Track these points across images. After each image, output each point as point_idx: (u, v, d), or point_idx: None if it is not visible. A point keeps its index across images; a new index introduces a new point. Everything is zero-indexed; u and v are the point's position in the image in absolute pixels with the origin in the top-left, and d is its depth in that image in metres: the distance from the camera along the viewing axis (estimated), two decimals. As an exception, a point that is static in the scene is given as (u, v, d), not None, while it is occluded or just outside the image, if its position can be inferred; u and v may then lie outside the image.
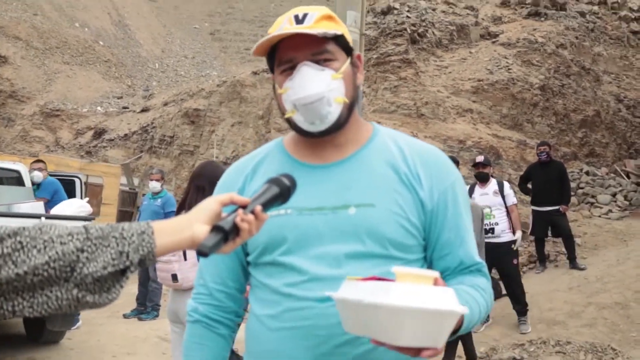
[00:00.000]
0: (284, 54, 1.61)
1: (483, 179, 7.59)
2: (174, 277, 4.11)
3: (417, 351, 1.27)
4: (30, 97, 27.61)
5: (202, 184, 4.36)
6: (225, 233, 1.24)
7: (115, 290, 1.16)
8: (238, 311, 1.78)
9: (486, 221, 7.28)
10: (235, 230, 1.26)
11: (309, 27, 1.57)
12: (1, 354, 6.37)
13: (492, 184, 7.57)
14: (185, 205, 4.44)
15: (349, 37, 1.69)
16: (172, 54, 42.29)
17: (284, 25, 1.61)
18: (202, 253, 1.21)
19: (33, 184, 8.42)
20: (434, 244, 1.65)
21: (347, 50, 1.66)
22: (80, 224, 5.83)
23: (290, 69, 1.61)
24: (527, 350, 6.74)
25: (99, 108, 26.93)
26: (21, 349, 6.58)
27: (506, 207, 7.47)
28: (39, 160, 9.02)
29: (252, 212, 1.29)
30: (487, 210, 7.32)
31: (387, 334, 1.24)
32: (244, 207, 1.30)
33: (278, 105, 1.70)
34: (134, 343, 7.18)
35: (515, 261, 7.59)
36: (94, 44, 35.80)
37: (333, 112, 1.59)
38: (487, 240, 7.25)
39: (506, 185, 7.66)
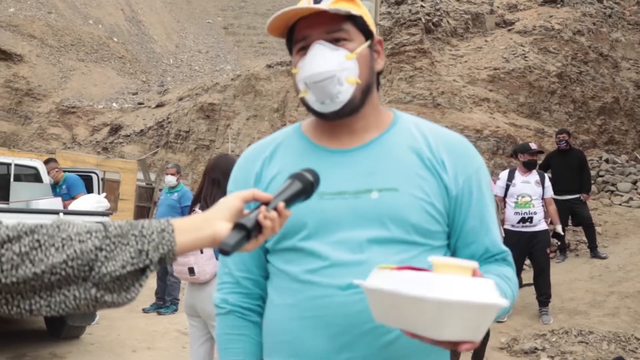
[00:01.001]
0: (299, 33, 1.59)
1: (532, 167, 7.54)
2: (191, 271, 4.07)
3: (454, 345, 1.23)
4: (46, 94, 27.79)
5: (216, 176, 4.35)
6: (247, 231, 1.20)
7: (134, 290, 1.13)
8: (265, 297, 1.73)
9: (525, 210, 7.31)
10: (257, 227, 1.22)
11: (324, 6, 1.54)
12: (23, 349, 6.42)
13: (534, 173, 7.52)
14: (200, 198, 4.42)
15: (370, 21, 1.65)
16: (186, 49, 42.38)
17: (303, 5, 1.58)
18: (224, 252, 1.17)
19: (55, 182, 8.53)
20: (458, 231, 1.62)
21: (367, 33, 1.62)
22: (99, 219, 5.85)
23: (305, 48, 1.58)
24: (549, 340, 6.67)
25: (114, 104, 27.06)
26: (42, 345, 6.62)
27: (543, 199, 7.45)
28: (51, 160, 9.07)
29: (275, 208, 1.24)
30: (527, 199, 7.32)
31: (428, 328, 1.19)
32: (266, 203, 1.26)
33: (294, 88, 1.67)
34: (153, 337, 7.20)
35: (548, 250, 7.59)
36: (108, 41, 35.95)
37: (344, 92, 1.55)
38: (524, 229, 7.29)
39: (547, 177, 7.64)
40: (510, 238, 7.14)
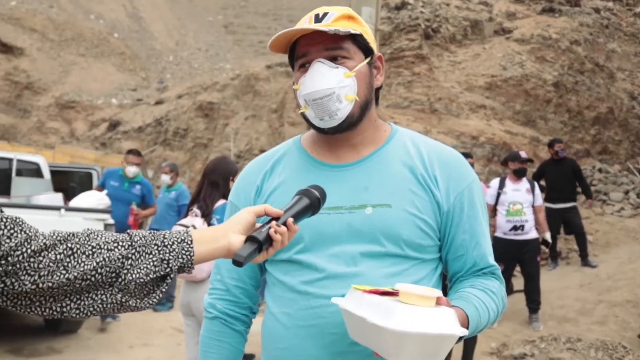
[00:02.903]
0: (300, 50, 1.65)
1: (522, 175, 7.62)
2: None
3: None
4: (46, 88, 27.83)
5: (216, 179, 4.44)
6: (259, 244, 1.30)
7: (155, 295, 1.24)
8: (253, 307, 1.82)
9: (517, 217, 7.37)
10: (268, 240, 1.32)
11: (325, 26, 1.61)
12: (20, 343, 6.49)
13: (524, 181, 7.58)
14: (199, 199, 4.52)
15: (371, 38, 1.71)
16: (186, 47, 42.38)
17: (304, 23, 1.65)
18: (237, 263, 1.26)
19: (129, 177, 7.76)
20: (448, 245, 1.67)
21: (367, 50, 1.68)
22: (99, 215, 5.94)
23: (305, 65, 1.64)
24: (538, 346, 6.79)
25: (113, 100, 27.11)
26: (40, 339, 6.70)
27: (532, 206, 7.54)
28: (134, 152, 8.12)
29: (285, 223, 1.34)
30: (518, 207, 7.39)
31: (388, 352, 1.29)
32: (276, 218, 1.35)
33: (296, 102, 1.74)
34: (149, 334, 7.29)
35: (539, 258, 7.69)
36: (109, 36, 35.96)
37: (343, 109, 1.60)
38: (515, 237, 7.37)
39: (537, 185, 7.74)
40: (502, 245, 7.21)
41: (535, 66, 14.12)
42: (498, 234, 7.42)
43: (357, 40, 1.65)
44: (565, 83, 14.11)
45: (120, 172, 7.84)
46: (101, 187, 7.77)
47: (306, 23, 1.65)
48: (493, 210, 7.49)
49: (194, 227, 4.24)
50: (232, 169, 4.67)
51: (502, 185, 7.50)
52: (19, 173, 8.12)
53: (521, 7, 16.89)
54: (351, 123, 1.64)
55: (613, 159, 14.15)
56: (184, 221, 4.43)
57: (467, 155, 7.79)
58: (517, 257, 7.45)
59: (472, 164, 7.59)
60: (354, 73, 1.62)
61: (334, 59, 1.62)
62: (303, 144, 1.79)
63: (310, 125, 1.69)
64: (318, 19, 1.64)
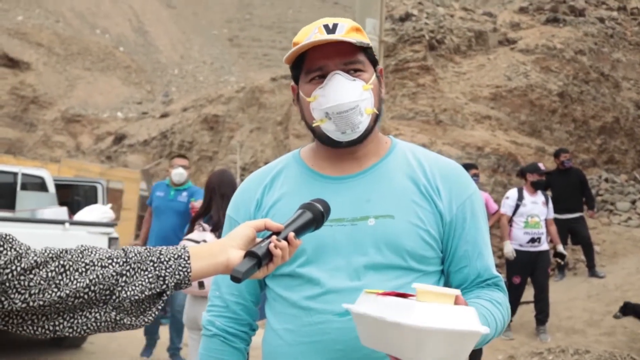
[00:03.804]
0: (314, 63, 1.62)
1: (540, 187, 7.64)
2: (201, 285, 4.04)
3: None
4: (52, 102, 27.99)
5: (226, 191, 4.45)
6: (258, 259, 1.26)
7: (151, 313, 1.21)
8: (252, 324, 1.79)
9: (535, 230, 7.43)
10: (268, 256, 1.28)
11: (340, 37, 1.58)
12: (25, 357, 6.49)
13: (540, 194, 7.60)
14: (206, 213, 4.51)
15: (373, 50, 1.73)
16: (191, 60, 42.58)
17: (313, 34, 1.61)
18: (235, 279, 1.23)
19: (176, 184, 6.87)
20: (451, 256, 1.66)
21: (374, 62, 1.69)
22: (104, 229, 5.92)
23: (320, 77, 1.61)
24: (546, 358, 6.73)
25: (119, 113, 27.22)
26: (45, 353, 6.69)
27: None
28: (180, 156, 7.29)
29: (286, 238, 1.30)
30: (536, 219, 7.43)
31: (408, 353, 1.24)
32: (277, 232, 1.32)
33: (301, 114, 1.71)
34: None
35: (549, 270, 7.72)
36: (115, 50, 36.18)
37: (364, 122, 1.61)
38: (531, 249, 7.41)
39: (549, 197, 7.77)
40: (519, 257, 7.28)
41: (540, 76, 14.10)
42: (514, 246, 7.41)
43: (368, 52, 1.66)
44: (571, 93, 14.08)
45: (167, 182, 7.05)
46: (150, 206, 7.11)
47: (315, 33, 1.61)
48: (508, 221, 7.47)
49: (205, 241, 4.20)
50: (235, 181, 4.69)
51: (520, 197, 7.48)
52: (24, 187, 8.14)
53: (525, 18, 16.89)
54: (366, 135, 1.65)
55: (619, 168, 14.08)
56: (192, 236, 4.39)
57: (472, 166, 7.78)
58: (530, 269, 7.48)
59: (477, 175, 7.58)
60: (371, 86, 1.62)
61: (350, 72, 1.60)
62: (303, 157, 1.78)
63: (322, 138, 1.67)
64: (329, 30, 1.61)
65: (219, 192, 4.51)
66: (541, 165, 7.75)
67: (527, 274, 7.49)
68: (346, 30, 1.61)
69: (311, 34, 1.62)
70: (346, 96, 1.57)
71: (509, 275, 7.51)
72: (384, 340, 1.29)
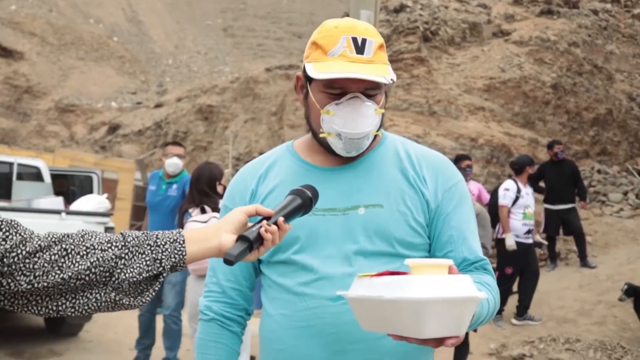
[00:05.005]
0: (337, 82, 1.61)
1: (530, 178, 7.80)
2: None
3: (439, 341, 1.28)
4: (46, 92, 27.90)
5: (202, 188, 4.70)
6: (250, 243, 1.32)
7: (148, 294, 1.27)
8: (248, 309, 1.84)
9: (531, 221, 7.58)
10: (259, 240, 1.34)
11: (369, 62, 1.60)
12: (21, 346, 6.52)
13: (528, 185, 7.72)
14: (190, 206, 4.64)
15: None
16: (186, 50, 42.47)
17: (340, 47, 1.61)
18: (228, 261, 1.29)
19: (170, 175, 6.18)
20: (436, 241, 1.71)
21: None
22: (100, 219, 5.95)
23: (339, 94, 1.62)
24: (537, 347, 6.82)
25: (113, 103, 27.17)
26: (41, 342, 6.73)
27: None
28: (175, 143, 6.64)
29: (275, 223, 1.36)
30: (531, 210, 7.54)
31: (410, 328, 1.24)
32: (267, 217, 1.37)
33: (306, 112, 1.74)
34: (150, 336, 7.31)
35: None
36: (108, 40, 36.04)
37: (368, 143, 1.68)
38: (527, 240, 7.52)
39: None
40: (519, 249, 7.38)
41: (533, 68, 14.16)
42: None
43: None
44: (564, 85, 14.15)
45: (161, 174, 6.30)
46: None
47: (343, 46, 1.61)
48: (508, 212, 7.51)
49: (215, 218, 4.31)
50: (215, 174, 4.75)
51: (518, 188, 7.55)
52: (20, 177, 8.16)
53: (519, 9, 16.92)
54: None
55: (612, 160, 14.19)
56: (201, 217, 4.48)
57: (465, 157, 7.83)
58: (524, 260, 7.59)
59: (470, 166, 7.63)
60: (382, 111, 1.66)
61: (367, 94, 1.63)
62: (296, 148, 1.83)
63: (324, 144, 1.71)
64: (358, 47, 1.61)
65: (195, 187, 4.63)
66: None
67: (520, 264, 7.58)
68: (374, 50, 1.62)
69: (338, 44, 1.62)
70: (362, 126, 1.61)
71: (501, 266, 7.58)
72: (384, 320, 1.30)
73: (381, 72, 1.60)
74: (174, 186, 6.09)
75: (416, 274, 1.26)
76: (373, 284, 1.32)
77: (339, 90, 1.62)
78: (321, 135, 1.68)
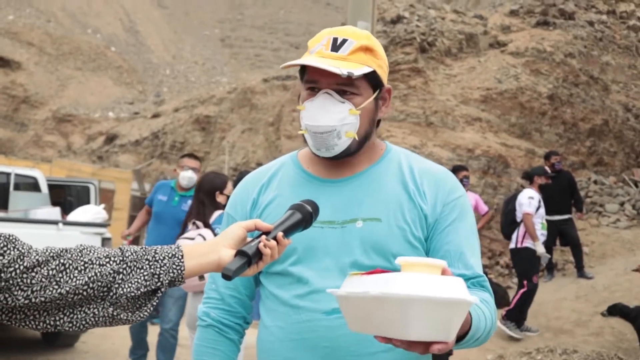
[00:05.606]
0: (311, 75, 1.64)
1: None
2: (201, 277, 3.99)
3: (426, 346, 1.23)
4: (43, 102, 27.92)
5: (203, 198, 4.64)
6: (248, 258, 1.32)
7: (146, 309, 1.27)
8: (247, 317, 1.84)
9: (545, 232, 7.62)
10: (258, 254, 1.34)
11: (341, 58, 1.60)
12: (18, 357, 6.50)
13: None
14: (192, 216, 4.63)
15: (385, 71, 1.71)
16: (183, 60, 42.54)
17: (320, 46, 1.64)
18: (226, 276, 1.29)
19: (183, 189, 6.04)
20: (432, 255, 1.68)
21: (377, 84, 1.68)
22: (97, 229, 5.93)
23: (314, 89, 1.64)
24: (534, 358, 6.81)
25: (110, 113, 27.18)
26: (37, 352, 6.70)
27: None
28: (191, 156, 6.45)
29: (275, 238, 1.36)
30: (545, 221, 7.62)
31: (395, 328, 1.18)
32: (267, 232, 1.37)
33: (300, 122, 1.75)
34: (147, 347, 7.28)
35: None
36: (106, 50, 36.11)
37: (341, 144, 1.63)
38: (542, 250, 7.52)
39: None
40: (537, 258, 7.42)
41: (530, 79, 14.21)
42: (529, 246, 7.47)
43: (369, 75, 1.64)
44: (560, 95, 14.20)
45: (172, 185, 6.18)
46: (149, 206, 6.30)
47: (322, 46, 1.64)
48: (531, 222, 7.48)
49: (202, 236, 4.29)
50: (217, 184, 4.72)
51: (540, 203, 7.59)
52: (17, 187, 8.15)
53: (516, 21, 17.00)
54: (347, 154, 1.68)
55: (608, 170, 14.22)
56: (189, 234, 4.45)
57: (462, 167, 7.85)
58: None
59: (467, 177, 7.66)
60: (359, 112, 1.63)
61: (342, 92, 1.62)
62: (300, 159, 1.82)
63: (309, 147, 1.73)
64: (335, 45, 1.62)
65: (196, 197, 4.62)
66: (547, 169, 7.99)
67: (538, 273, 7.67)
68: (351, 50, 1.61)
69: (319, 44, 1.64)
70: (325, 119, 1.60)
71: (530, 275, 7.46)
72: (371, 320, 1.25)
73: (345, 66, 1.58)
74: (189, 202, 5.56)
75: (407, 271, 1.22)
76: (363, 282, 1.29)
77: (312, 84, 1.64)
78: (299, 132, 1.69)
